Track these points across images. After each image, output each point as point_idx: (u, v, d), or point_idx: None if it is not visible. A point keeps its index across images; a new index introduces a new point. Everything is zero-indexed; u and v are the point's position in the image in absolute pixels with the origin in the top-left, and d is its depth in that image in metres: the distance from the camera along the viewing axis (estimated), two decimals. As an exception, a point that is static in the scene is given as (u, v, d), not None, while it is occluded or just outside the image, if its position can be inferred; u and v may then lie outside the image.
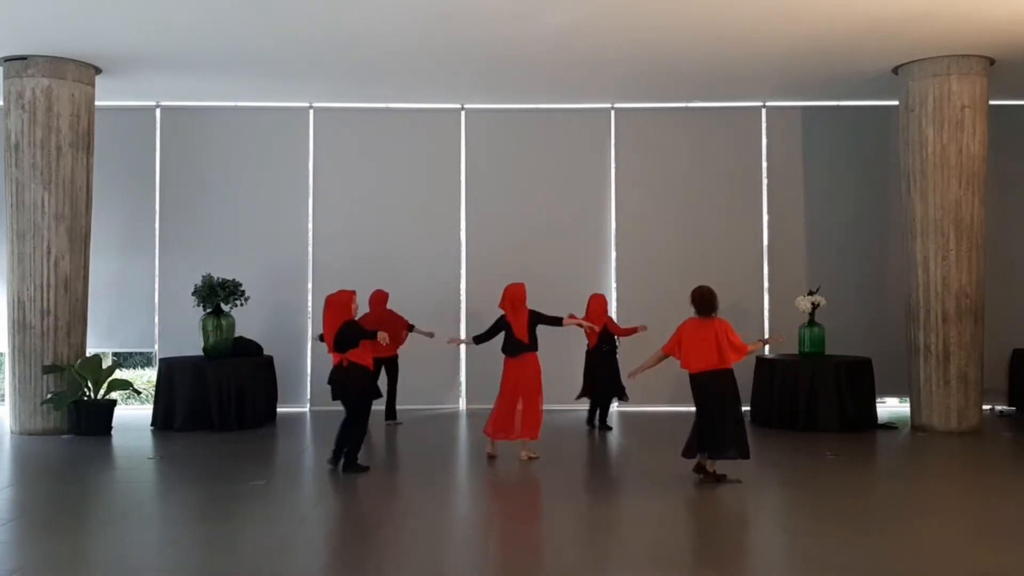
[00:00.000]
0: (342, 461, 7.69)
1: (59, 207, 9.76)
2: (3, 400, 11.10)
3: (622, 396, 10.04)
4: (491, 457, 8.24)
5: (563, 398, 10.42)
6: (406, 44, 9.22)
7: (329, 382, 7.73)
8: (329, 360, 7.77)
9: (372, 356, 7.73)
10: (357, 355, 7.57)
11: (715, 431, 7.21)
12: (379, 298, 10.16)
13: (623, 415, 11.05)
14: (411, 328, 10.16)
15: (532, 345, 8.16)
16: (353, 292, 7.79)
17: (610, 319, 10.04)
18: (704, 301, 7.37)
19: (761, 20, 8.50)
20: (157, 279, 11.68)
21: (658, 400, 11.29)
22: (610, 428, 10.01)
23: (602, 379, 9.91)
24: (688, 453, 7.35)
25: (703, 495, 6.97)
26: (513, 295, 8.23)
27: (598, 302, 9.93)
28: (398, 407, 10.37)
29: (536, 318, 8.19)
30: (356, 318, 7.78)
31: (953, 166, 9.74)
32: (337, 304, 7.62)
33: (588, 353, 9.98)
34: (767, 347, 7.46)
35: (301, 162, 11.82)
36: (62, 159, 9.77)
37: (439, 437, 9.78)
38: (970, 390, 9.78)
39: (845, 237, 11.70)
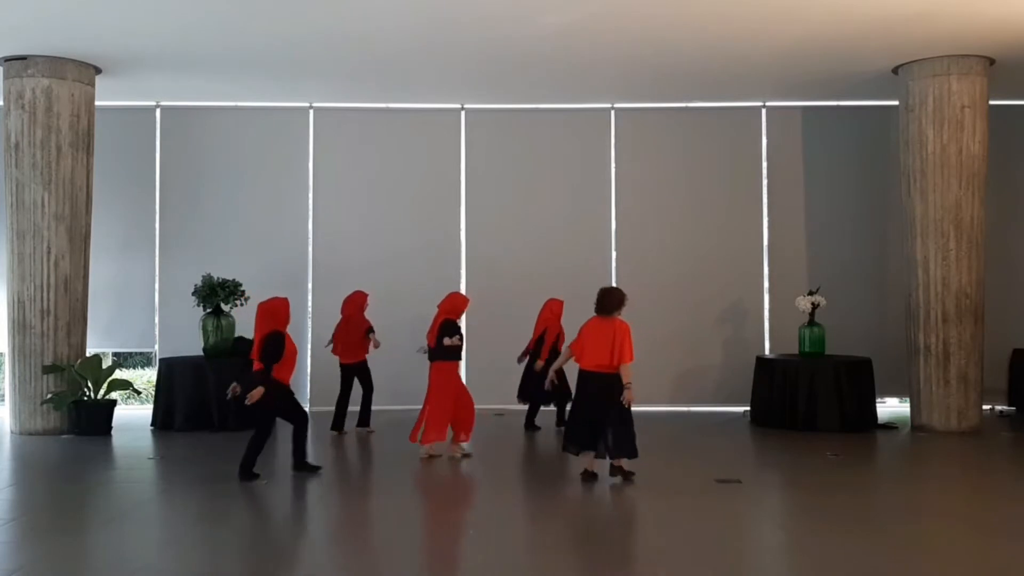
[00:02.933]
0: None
1: (59, 207, 9.76)
2: (3, 400, 11.10)
3: (546, 402, 9.82)
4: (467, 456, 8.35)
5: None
6: (406, 44, 9.22)
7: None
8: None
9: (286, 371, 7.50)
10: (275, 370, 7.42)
11: (593, 429, 7.19)
12: (349, 301, 9.82)
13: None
14: (369, 331, 9.68)
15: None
16: (286, 300, 7.70)
17: (553, 330, 9.68)
18: (601, 300, 7.41)
19: (761, 20, 8.51)
20: (157, 279, 11.68)
21: (656, 400, 11.32)
22: (538, 428, 9.80)
23: (531, 382, 9.74)
24: (570, 448, 7.38)
25: (702, 495, 6.97)
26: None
27: (546, 308, 9.83)
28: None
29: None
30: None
31: (953, 166, 9.73)
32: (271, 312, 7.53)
33: (527, 355, 9.91)
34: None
35: (301, 162, 11.81)
36: (62, 159, 9.77)
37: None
38: (970, 390, 9.78)
39: (845, 237, 11.69)
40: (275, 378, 7.39)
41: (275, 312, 7.52)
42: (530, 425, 9.89)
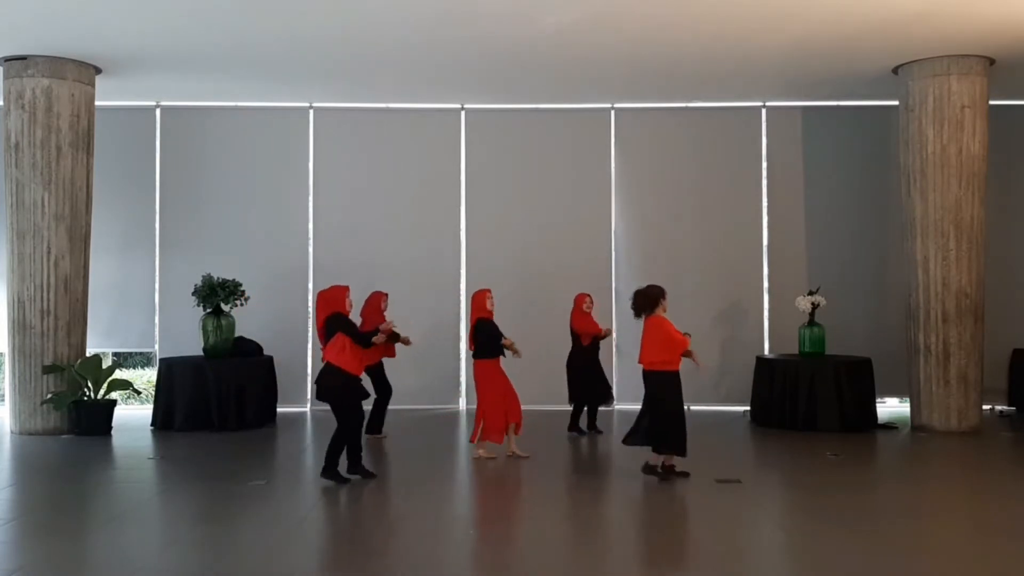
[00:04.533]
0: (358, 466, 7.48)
1: (59, 207, 9.76)
2: (3, 400, 11.10)
3: (607, 398, 9.74)
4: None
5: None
6: (406, 44, 9.22)
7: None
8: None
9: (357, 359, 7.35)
10: (334, 355, 7.26)
11: (652, 425, 7.42)
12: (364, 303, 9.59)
13: (621, 414, 11.04)
14: None
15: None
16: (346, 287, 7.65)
17: (580, 320, 9.59)
18: (633, 302, 7.63)
19: (761, 20, 8.50)
20: (157, 279, 11.68)
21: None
22: (599, 432, 9.61)
23: (574, 381, 9.63)
24: (630, 440, 7.59)
25: (702, 495, 6.97)
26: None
27: (575, 301, 9.70)
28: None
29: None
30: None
31: (953, 166, 9.73)
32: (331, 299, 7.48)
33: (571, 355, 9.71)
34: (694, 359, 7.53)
35: (301, 162, 11.82)
36: (62, 159, 9.77)
37: (439, 437, 9.77)
38: (970, 390, 9.77)
39: (845, 237, 11.69)
40: (334, 364, 7.22)
41: (331, 299, 7.45)
42: (591, 426, 9.64)
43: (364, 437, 9.07)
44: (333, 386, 7.28)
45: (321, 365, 7.45)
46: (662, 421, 7.36)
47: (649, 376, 7.45)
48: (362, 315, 9.55)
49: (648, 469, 7.40)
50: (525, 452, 8.36)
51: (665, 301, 7.51)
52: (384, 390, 9.41)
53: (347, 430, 7.33)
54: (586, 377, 9.56)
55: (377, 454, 8.84)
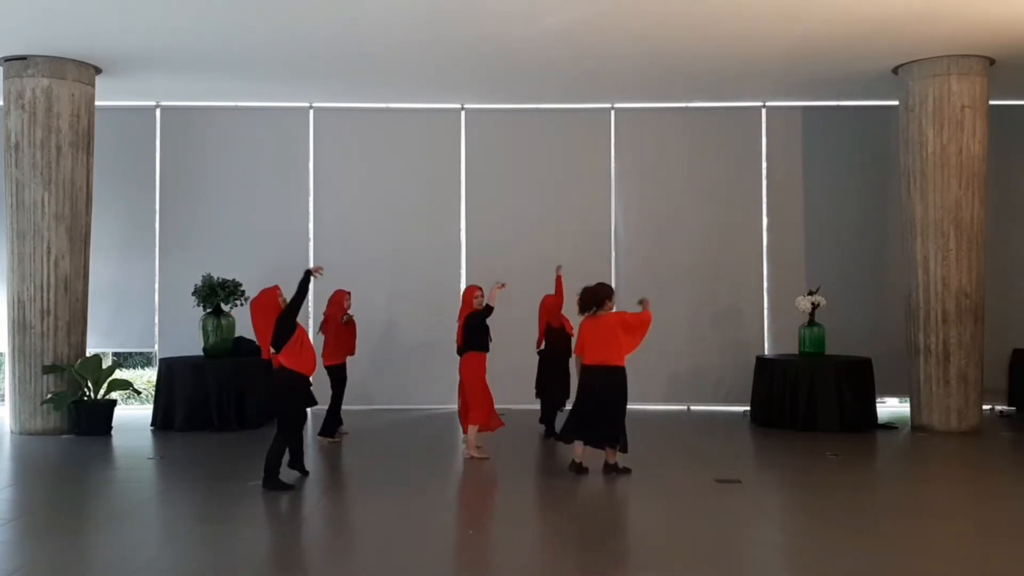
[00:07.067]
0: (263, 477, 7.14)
1: (59, 207, 9.76)
2: (3, 400, 11.10)
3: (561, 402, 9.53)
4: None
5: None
6: (406, 44, 9.22)
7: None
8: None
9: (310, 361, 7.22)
10: (287, 358, 7.11)
11: (600, 423, 7.45)
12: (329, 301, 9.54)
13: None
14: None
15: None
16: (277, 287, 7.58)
17: (554, 319, 9.56)
18: (579, 300, 7.65)
19: (761, 20, 8.51)
20: (157, 279, 11.68)
21: (655, 399, 11.37)
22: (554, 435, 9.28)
23: (540, 381, 9.63)
24: (567, 438, 7.59)
25: (702, 495, 6.97)
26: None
27: (541, 305, 9.70)
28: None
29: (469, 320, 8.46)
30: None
31: (953, 166, 9.73)
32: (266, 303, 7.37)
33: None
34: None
35: (301, 162, 11.82)
36: (62, 159, 9.77)
37: (437, 438, 9.76)
38: (970, 390, 9.77)
39: (845, 237, 11.69)
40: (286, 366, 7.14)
41: (265, 305, 7.47)
42: (548, 427, 9.47)
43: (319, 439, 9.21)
44: (286, 390, 7.16)
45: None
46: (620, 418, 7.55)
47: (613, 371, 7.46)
48: (325, 313, 9.51)
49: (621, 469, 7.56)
50: (484, 454, 8.27)
51: (611, 302, 7.60)
52: (340, 390, 9.33)
53: (289, 433, 7.25)
54: (562, 377, 9.52)
55: (376, 454, 8.84)
